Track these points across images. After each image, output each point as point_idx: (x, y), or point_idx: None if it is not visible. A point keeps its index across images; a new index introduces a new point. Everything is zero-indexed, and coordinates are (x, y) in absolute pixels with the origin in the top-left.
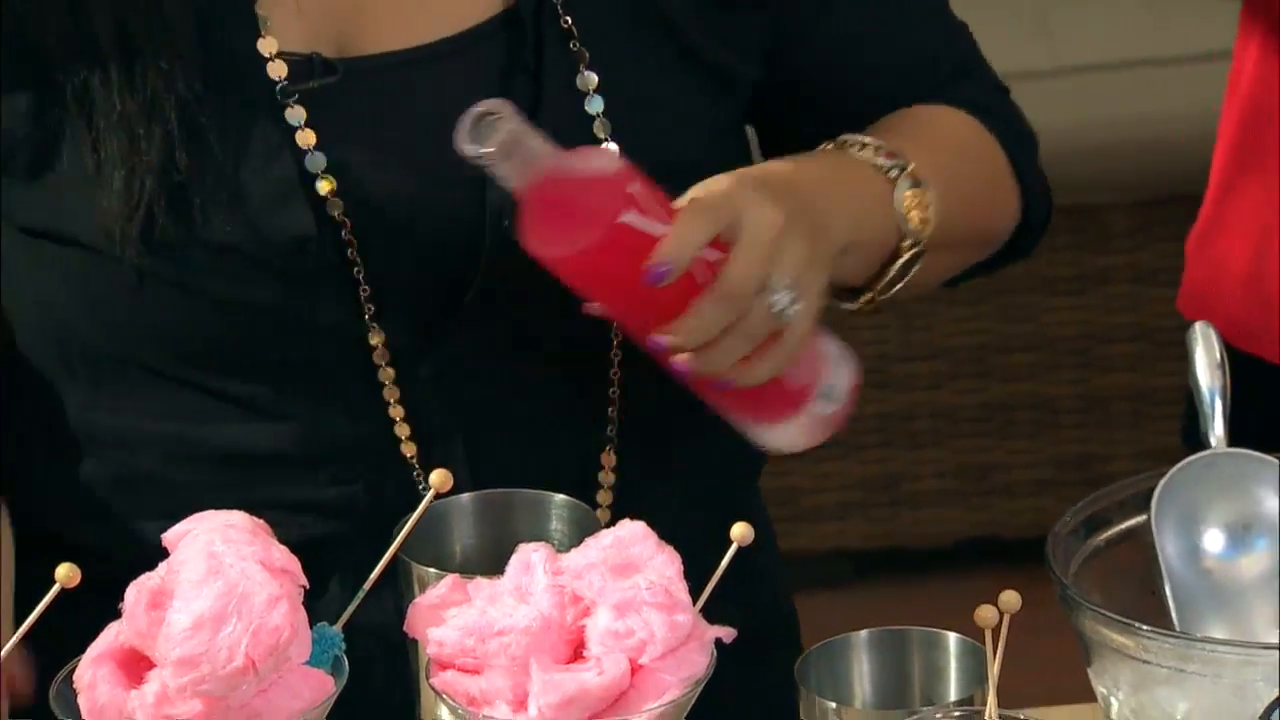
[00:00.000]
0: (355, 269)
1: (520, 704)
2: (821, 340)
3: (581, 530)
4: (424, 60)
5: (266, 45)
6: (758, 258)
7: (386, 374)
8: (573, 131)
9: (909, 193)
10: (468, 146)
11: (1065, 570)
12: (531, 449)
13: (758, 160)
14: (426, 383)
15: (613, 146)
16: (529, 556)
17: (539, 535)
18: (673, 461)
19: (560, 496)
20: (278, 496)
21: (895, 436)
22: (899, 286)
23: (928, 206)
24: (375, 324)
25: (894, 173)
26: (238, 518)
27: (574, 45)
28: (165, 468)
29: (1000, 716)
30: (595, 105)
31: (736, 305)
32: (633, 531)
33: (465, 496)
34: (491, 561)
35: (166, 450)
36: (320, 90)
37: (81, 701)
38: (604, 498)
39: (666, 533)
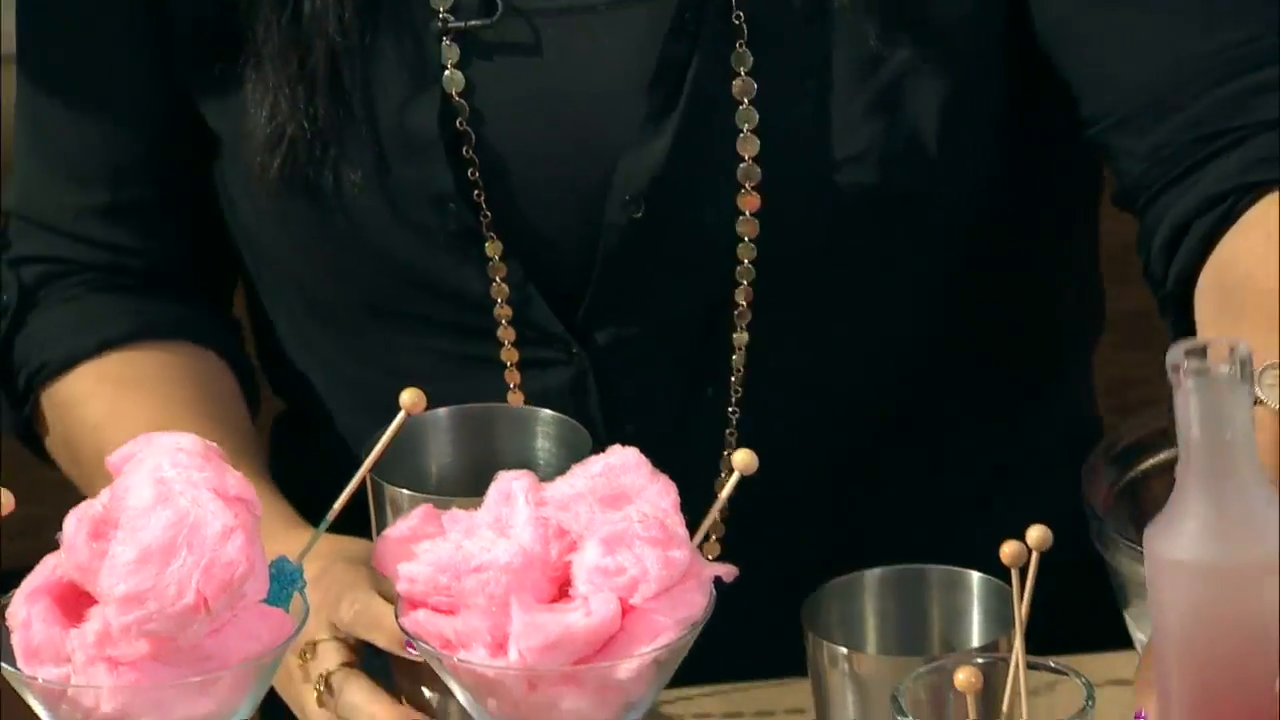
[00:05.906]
0: (488, 233)
1: (499, 647)
2: None
3: (572, 451)
4: (584, 10)
5: None
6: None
7: (513, 375)
8: (716, 116)
9: None
10: None
11: (1100, 502)
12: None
13: None
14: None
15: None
16: (509, 485)
17: (524, 456)
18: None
19: (547, 412)
20: None
21: None
22: None
23: None
24: (506, 305)
25: None
26: (188, 440)
27: (736, 18)
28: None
29: (1028, 664)
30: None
31: None
32: (625, 459)
33: (442, 411)
34: (471, 486)
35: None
36: (478, 29)
37: (15, 641)
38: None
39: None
